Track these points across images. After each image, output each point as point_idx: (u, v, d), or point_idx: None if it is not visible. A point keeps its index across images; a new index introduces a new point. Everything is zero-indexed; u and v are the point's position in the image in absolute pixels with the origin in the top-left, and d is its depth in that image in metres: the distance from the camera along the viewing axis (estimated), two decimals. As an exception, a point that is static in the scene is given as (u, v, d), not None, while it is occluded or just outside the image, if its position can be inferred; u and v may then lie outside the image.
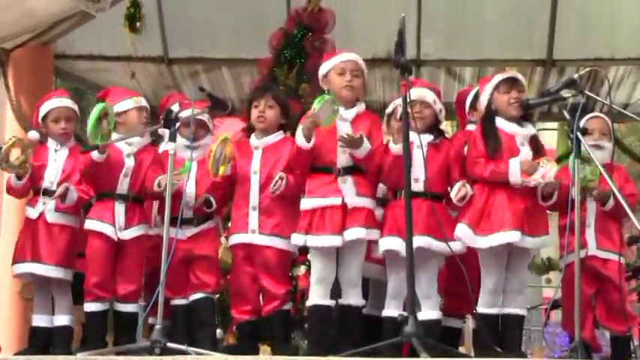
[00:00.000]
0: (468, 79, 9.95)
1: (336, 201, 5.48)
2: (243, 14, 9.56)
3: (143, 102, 6.14)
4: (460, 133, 6.17)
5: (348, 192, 5.50)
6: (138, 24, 8.50)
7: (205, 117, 6.09)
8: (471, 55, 9.87)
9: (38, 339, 6.01)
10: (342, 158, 5.53)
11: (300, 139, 5.51)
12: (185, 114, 5.77)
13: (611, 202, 5.75)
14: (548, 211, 5.76)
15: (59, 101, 6.13)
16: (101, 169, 5.89)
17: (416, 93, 5.48)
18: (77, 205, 6.00)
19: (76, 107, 6.19)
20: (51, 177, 5.99)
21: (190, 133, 5.77)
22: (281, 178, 5.63)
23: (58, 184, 5.95)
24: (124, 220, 5.90)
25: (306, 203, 5.56)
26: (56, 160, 6.04)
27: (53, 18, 7.91)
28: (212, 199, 5.89)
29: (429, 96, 5.70)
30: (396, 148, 5.45)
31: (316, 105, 5.44)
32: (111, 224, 5.88)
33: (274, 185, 5.65)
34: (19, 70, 8.18)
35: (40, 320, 6.02)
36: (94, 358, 5.43)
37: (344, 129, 5.55)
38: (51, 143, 6.11)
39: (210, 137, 6.23)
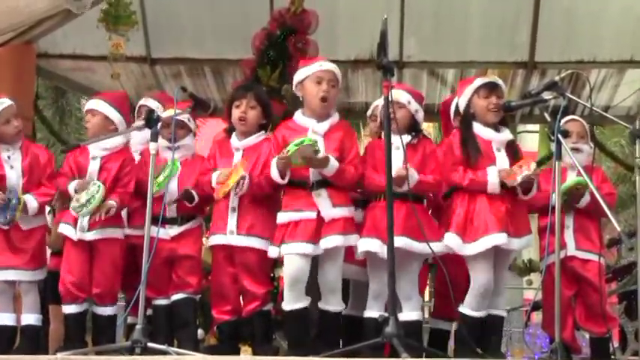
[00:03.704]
0: (450, 81, 9.98)
1: (311, 215, 5.47)
2: (226, 15, 9.56)
3: (88, 106, 6.11)
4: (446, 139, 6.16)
5: (324, 205, 5.48)
6: (120, 25, 8.47)
7: (185, 117, 6.07)
8: (454, 56, 9.89)
9: (1, 337, 5.91)
10: (316, 172, 5.51)
11: (274, 173, 5.51)
12: (165, 114, 5.78)
13: (586, 200, 5.79)
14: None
15: (1, 102, 5.98)
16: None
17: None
18: (42, 209, 5.98)
19: (14, 103, 6.06)
20: (13, 185, 5.88)
21: (173, 135, 5.77)
22: (242, 178, 5.61)
23: (23, 189, 5.89)
24: (88, 221, 5.83)
25: (282, 217, 5.55)
26: (13, 166, 5.92)
27: (36, 16, 7.88)
28: (193, 192, 5.87)
29: (403, 97, 5.68)
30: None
31: (291, 148, 5.36)
32: (72, 225, 5.87)
33: (237, 187, 5.63)
34: (1, 69, 8.14)
35: (1, 319, 5.92)
36: (75, 358, 5.41)
37: (317, 140, 5.52)
38: (1, 149, 5.94)
39: (192, 138, 6.23)
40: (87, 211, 5.74)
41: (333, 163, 5.45)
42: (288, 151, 5.38)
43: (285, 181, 5.51)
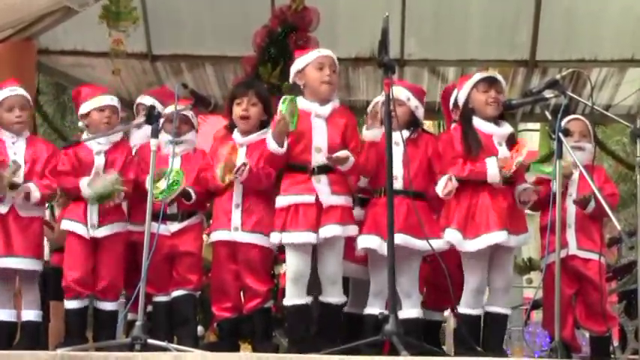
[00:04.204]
0: (451, 79, 9.96)
1: (310, 199, 5.47)
2: (227, 12, 9.55)
3: (104, 101, 6.07)
4: (447, 133, 6.15)
5: (323, 191, 5.49)
6: (120, 22, 8.49)
7: (189, 113, 6.08)
8: (455, 55, 9.88)
9: (0, 333, 5.89)
10: (317, 157, 5.52)
11: (272, 145, 5.49)
12: (168, 110, 5.78)
13: (592, 205, 5.78)
14: (529, 211, 5.80)
15: (11, 90, 6.03)
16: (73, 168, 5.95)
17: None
18: (43, 200, 5.96)
19: (29, 97, 6.10)
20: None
21: (174, 129, 5.79)
22: (244, 164, 5.60)
23: (25, 178, 5.86)
24: (97, 218, 5.88)
25: (281, 201, 5.55)
26: (16, 153, 5.92)
27: (37, 13, 7.88)
28: (191, 191, 5.88)
29: (403, 94, 5.68)
30: (368, 133, 5.48)
31: (282, 107, 5.40)
32: (83, 223, 5.87)
33: (237, 171, 5.61)
34: (1, 65, 8.13)
35: (1, 315, 5.90)
36: (75, 354, 5.40)
37: (320, 126, 5.54)
38: (6, 136, 5.96)
39: (194, 134, 6.23)
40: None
41: (352, 160, 5.47)
42: (281, 111, 5.39)
43: (284, 149, 5.49)
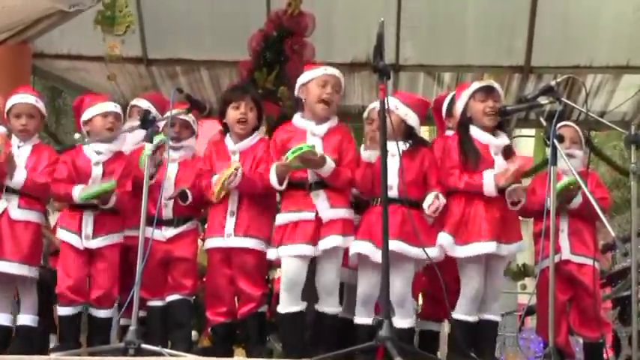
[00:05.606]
0: (447, 84, 9.98)
1: (309, 215, 5.47)
2: (222, 16, 9.56)
3: (108, 107, 6.04)
4: (439, 139, 6.15)
5: (322, 206, 5.48)
6: (115, 26, 8.49)
7: (190, 118, 6.08)
8: (450, 60, 9.90)
9: None
10: (314, 173, 5.51)
11: (273, 180, 5.50)
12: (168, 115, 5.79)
13: (578, 200, 5.79)
14: (521, 218, 5.81)
15: (21, 97, 6.05)
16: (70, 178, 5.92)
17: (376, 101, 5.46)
18: (29, 187, 5.89)
19: (40, 105, 6.08)
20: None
21: (169, 134, 5.78)
22: (236, 169, 5.59)
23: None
24: (92, 229, 5.85)
25: (281, 219, 5.56)
26: (19, 156, 5.93)
27: (37, 15, 7.89)
28: (188, 192, 5.86)
29: (390, 102, 5.58)
30: (365, 154, 5.47)
31: (290, 155, 5.36)
32: (77, 233, 5.84)
33: (228, 179, 5.60)
34: (-4, 69, 8.15)
35: None
36: (68, 359, 5.40)
37: (315, 144, 5.49)
38: (14, 140, 6.01)
39: (194, 139, 6.23)
40: (88, 193, 5.75)
41: (330, 164, 5.45)
42: (287, 158, 5.38)
43: (283, 187, 5.51)
